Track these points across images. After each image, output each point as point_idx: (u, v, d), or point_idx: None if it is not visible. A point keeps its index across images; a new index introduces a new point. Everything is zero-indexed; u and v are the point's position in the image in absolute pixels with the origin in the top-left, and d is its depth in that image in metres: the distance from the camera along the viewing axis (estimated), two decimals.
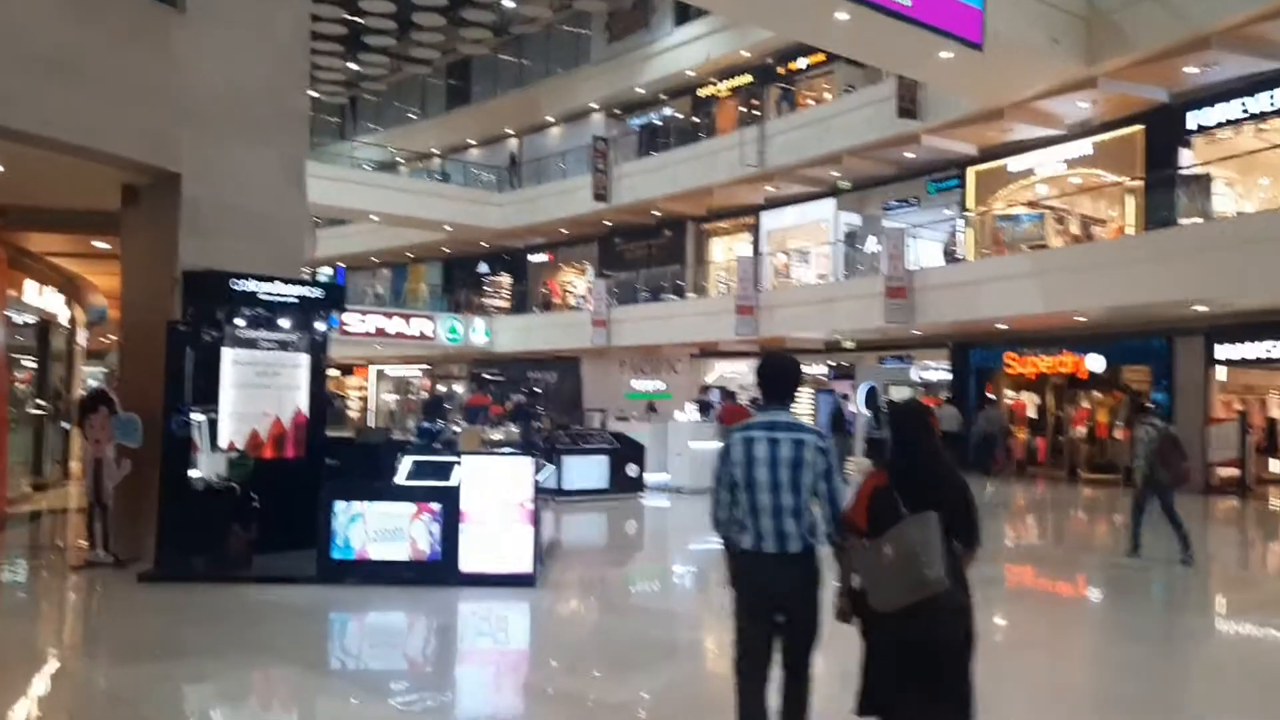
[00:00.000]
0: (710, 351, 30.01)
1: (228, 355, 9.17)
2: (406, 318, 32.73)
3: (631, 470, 15.54)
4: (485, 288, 38.03)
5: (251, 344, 9.35)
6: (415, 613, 8.12)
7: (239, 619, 7.52)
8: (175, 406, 8.69)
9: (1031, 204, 22.03)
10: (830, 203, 26.88)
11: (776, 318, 24.95)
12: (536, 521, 8.53)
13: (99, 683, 6.04)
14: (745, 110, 28.70)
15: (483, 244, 37.01)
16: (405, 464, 8.72)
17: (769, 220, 28.99)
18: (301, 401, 9.69)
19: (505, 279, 37.75)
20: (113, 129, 8.56)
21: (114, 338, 28.33)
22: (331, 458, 9.92)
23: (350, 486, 8.59)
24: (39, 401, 14.86)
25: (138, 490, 9.07)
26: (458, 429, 11.61)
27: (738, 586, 4.15)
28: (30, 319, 14.64)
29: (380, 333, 31.79)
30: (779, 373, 4.31)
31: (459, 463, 8.62)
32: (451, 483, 8.50)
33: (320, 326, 9.92)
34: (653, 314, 29.42)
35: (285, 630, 7.46)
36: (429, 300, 39.04)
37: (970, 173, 22.97)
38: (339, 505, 8.39)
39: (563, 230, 33.76)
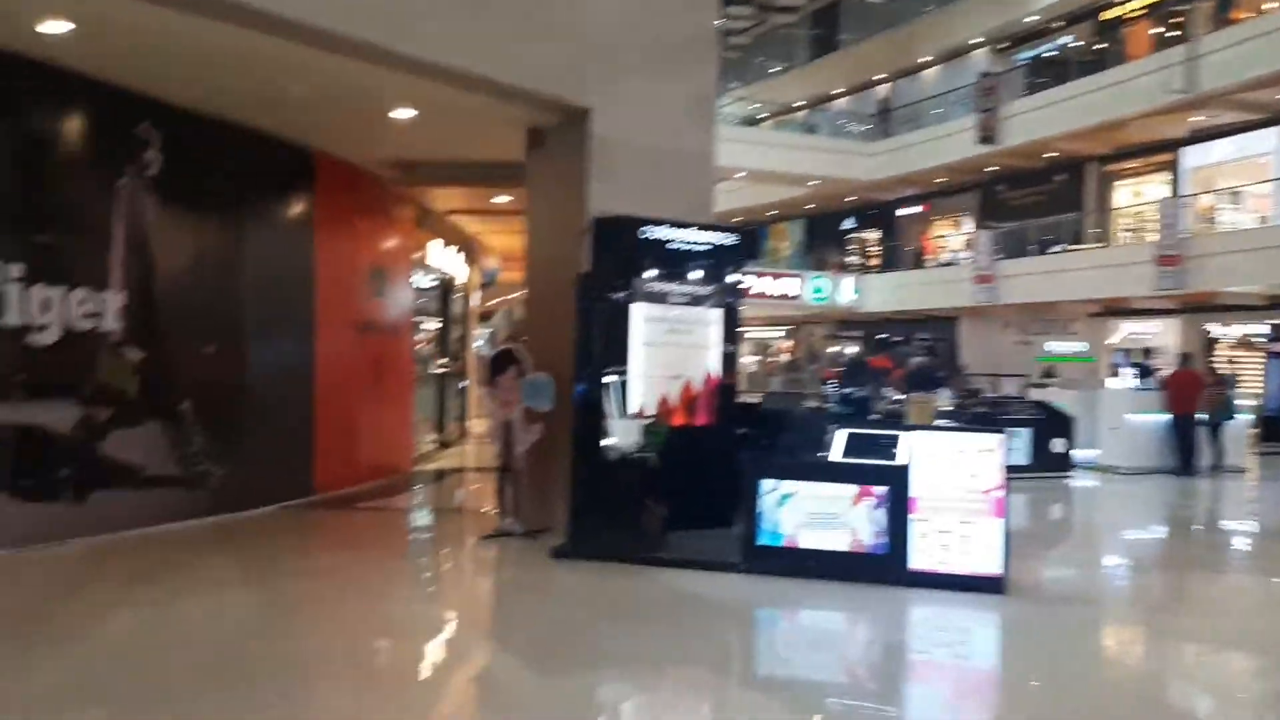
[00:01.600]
0: (1116, 309, 26.52)
1: (638, 311, 8.26)
2: (774, 276, 31.59)
3: (1058, 445, 13.39)
4: (849, 245, 36.27)
5: (661, 298, 8.39)
6: (859, 616, 6.80)
7: (662, 614, 6.56)
8: (589, 367, 7.90)
9: None
10: (1272, 132, 22.64)
11: (1209, 268, 21.32)
12: (1005, 513, 6.91)
13: (525, 691, 5.19)
14: (1161, 32, 24.82)
15: (848, 198, 35.20)
16: (839, 438, 7.38)
17: (1191, 156, 24.98)
18: (712, 363, 8.63)
19: (871, 235, 35.79)
20: (521, 60, 7.83)
21: (500, 300, 29.54)
22: (740, 426, 8.85)
23: (779, 462, 7.40)
24: (441, 361, 15.12)
25: (547, 457, 8.43)
26: (898, 396, 10.18)
27: None
28: (433, 280, 14.88)
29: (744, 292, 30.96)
30: None
31: (906, 439, 7.16)
32: (898, 462, 7.08)
33: (733, 279, 8.80)
34: (1047, 267, 26.36)
35: (713, 630, 6.41)
36: (790, 259, 37.85)
37: None
38: (766, 484, 7.22)
39: (938, 179, 31.22)
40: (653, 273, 8.31)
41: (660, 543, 7.61)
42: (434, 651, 5.92)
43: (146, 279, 8.41)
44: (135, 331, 8.25)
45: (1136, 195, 26.81)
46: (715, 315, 8.64)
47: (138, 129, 8.26)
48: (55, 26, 6.80)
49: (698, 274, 8.52)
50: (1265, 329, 22.94)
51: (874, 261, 34.76)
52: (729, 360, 8.77)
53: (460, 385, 16.21)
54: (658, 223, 8.25)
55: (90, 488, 7.93)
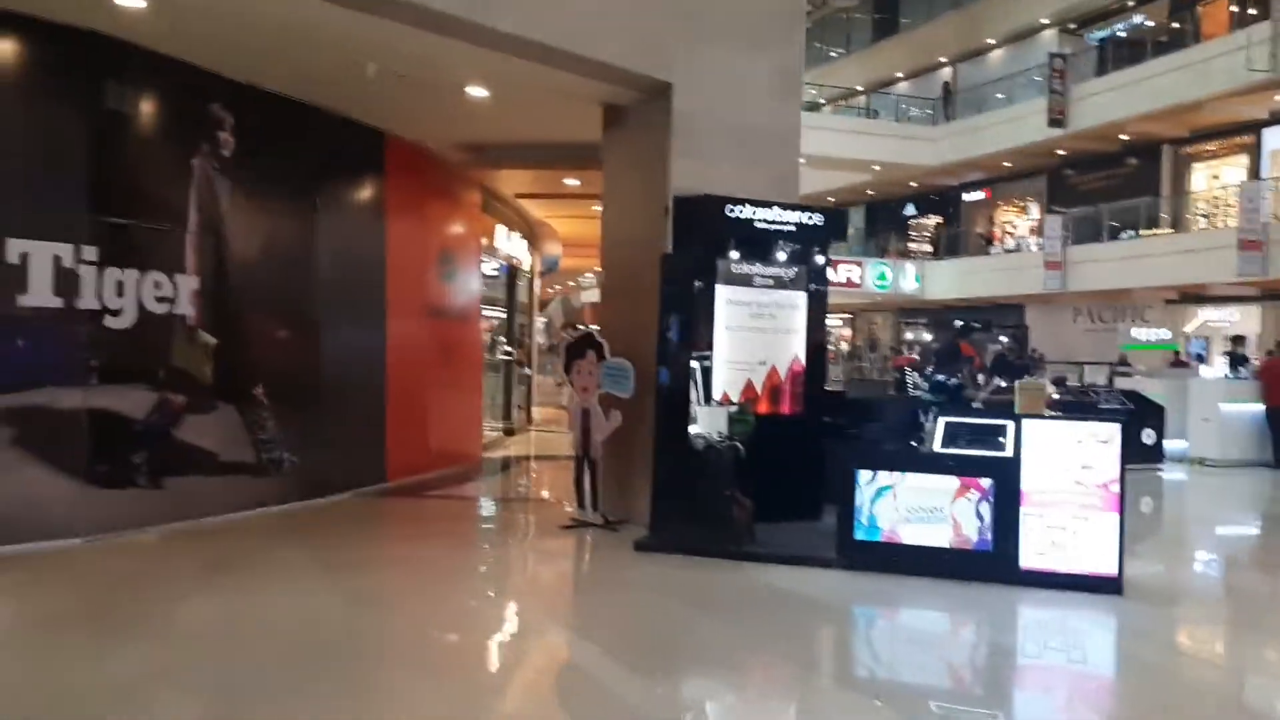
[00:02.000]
0: (1192, 296, 25.68)
1: (722, 294, 7.94)
2: (834, 264, 31.00)
3: (1148, 437, 12.84)
4: (910, 231, 35.60)
5: (746, 281, 8.06)
6: (963, 616, 6.41)
7: (756, 611, 6.23)
8: (672, 353, 7.60)
9: None
10: None
11: None
12: (1123, 508, 6.50)
13: (616, 690, 4.90)
14: (1238, 10, 23.92)
15: (911, 184, 34.53)
16: (938, 427, 7.01)
17: (1273, 138, 24.07)
18: (798, 348, 8.28)
19: (933, 220, 35.09)
20: (602, 34, 7.52)
21: (558, 287, 29.33)
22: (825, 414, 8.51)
23: (877, 453, 7.05)
24: (506, 348, 14.91)
25: (627, 446, 8.14)
26: (1001, 383, 9.72)
27: None
28: (497, 266, 14.67)
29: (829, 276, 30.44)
30: None
31: (1013, 428, 6.77)
32: (1006, 453, 6.69)
33: (819, 261, 8.44)
34: (1121, 253, 25.57)
35: (809, 628, 6.09)
36: (850, 246, 37.24)
37: None
38: (863, 475, 6.87)
39: (1006, 164, 30.47)
40: (737, 254, 7.98)
41: (748, 536, 7.30)
42: (522, 647, 5.67)
43: (220, 262, 8.25)
44: (209, 316, 8.10)
45: (1214, 179, 25.89)
46: (801, 299, 8.30)
47: (211, 109, 8.09)
48: (131, 2, 6.62)
49: (783, 256, 8.17)
50: None
51: (932, 248, 34.03)
52: (815, 346, 8.41)
53: (524, 373, 15.99)
54: (742, 202, 7.92)
55: (166, 474, 7.79)
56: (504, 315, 15.12)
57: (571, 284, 29.60)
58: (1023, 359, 13.61)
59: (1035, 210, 31.15)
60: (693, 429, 7.49)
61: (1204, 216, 25.64)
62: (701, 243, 7.89)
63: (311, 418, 9.02)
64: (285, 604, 5.96)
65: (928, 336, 29.91)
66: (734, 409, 7.61)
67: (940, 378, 8.40)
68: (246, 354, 8.48)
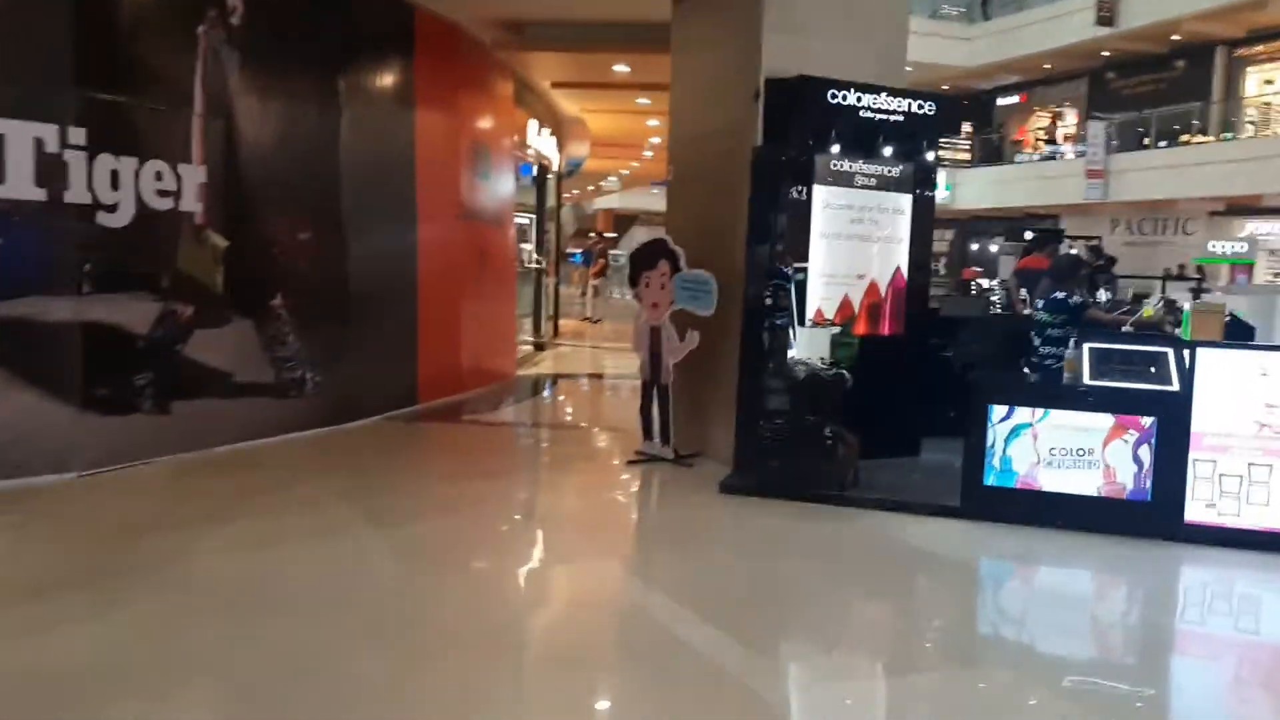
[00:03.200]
0: (1239, 208, 24.42)
1: (819, 195, 6.79)
2: None
3: None
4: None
5: (847, 180, 6.90)
6: (1116, 577, 5.43)
7: (873, 570, 5.27)
8: (763, 264, 6.50)
9: None
10: None
11: None
12: None
13: (726, 661, 3.91)
14: None
15: (943, 86, 32.83)
16: (1082, 354, 5.94)
17: None
18: (901, 260, 7.17)
19: (964, 126, 33.50)
20: None
21: (576, 192, 27.95)
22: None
23: (1014, 385, 5.99)
24: (535, 256, 13.76)
25: (702, 370, 7.09)
26: (1139, 299, 8.62)
27: None
28: (528, 165, 13.42)
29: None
30: None
31: (1179, 357, 5.71)
32: (1172, 386, 5.65)
33: (929, 157, 7.28)
34: (1170, 161, 24.20)
35: (936, 590, 5.12)
36: None
37: None
38: (997, 411, 5.83)
39: (1045, 65, 28.81)
40: (838, 148, 6.81)
41: (853, 478, 6.28)
42: (607, 615, 4.64)
43: (231, 151, 7.08)
44: (219, 214, 6.97)
45: (1263, 85, 24.43)
46: (906, 203, 7.15)
47: None
48: None
49: (889, 151, 7.00)
50: None
51: (961, 156, 32.52)
52: (920, 258, 7.29)
53: (552, 282, 14.87)
54: (847, 86, 6.73)
55: (172, 398, 6.75)
56: (535, 219, 13.92)
57: (591, 188, 28.24)
58: (1100, 262, 12.41)
59: (1072, 116, 29.62)
60: (793, 354, 6.42)
61: (1250, 124, 24.28)
62: (798, 135, 6.71)
63: (337, 332, 7.95)
64: (313, 560, 4.96)
65: (994, 248, 28.44)
66: (838, 331, 6.54)
67: (1059, 295, 7.30)
68: (263, 259, 7.37)
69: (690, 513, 6.14)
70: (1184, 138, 24.87)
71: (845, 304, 6.96)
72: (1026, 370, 7.42)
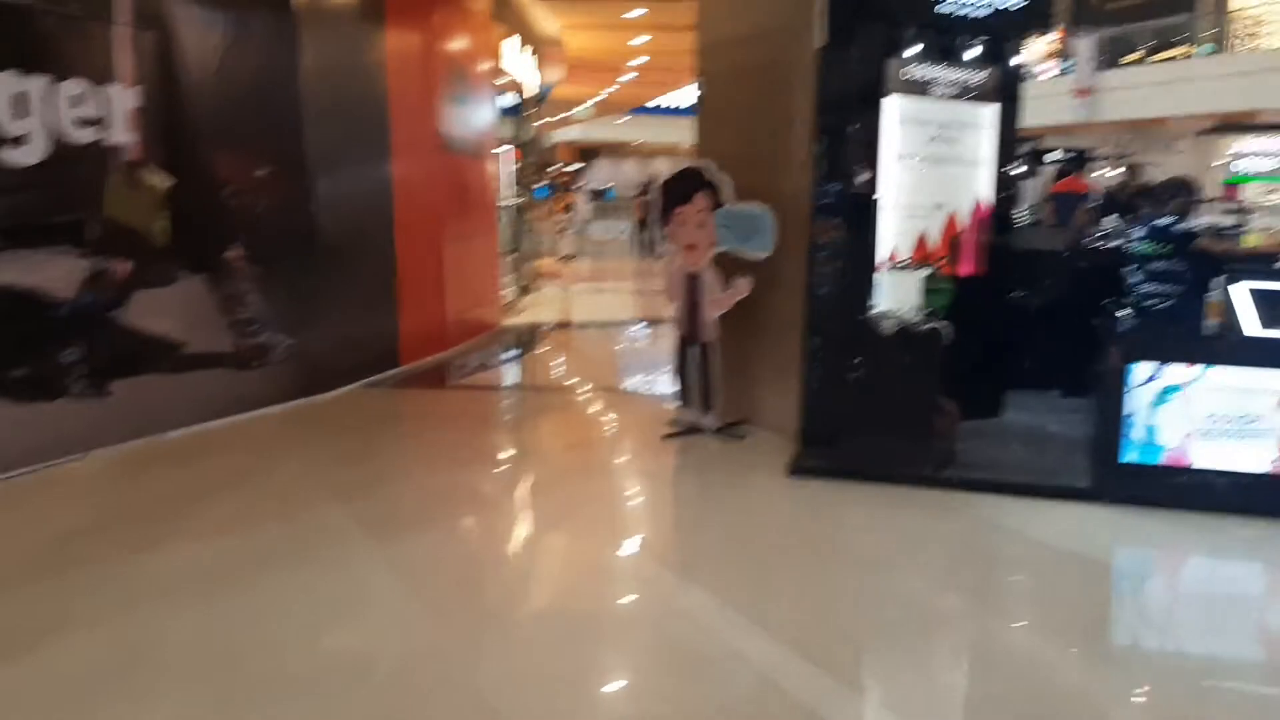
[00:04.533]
0: (1232, 125, 23.52)
1: (892, 108, 5.59)
2: None
3: None
4: None
5: (923, 89, 5.70)
6: None
7: (999, 571, 4.24)
8: (835, 192, 5.33)
9: None
10: None
11: None
12: None
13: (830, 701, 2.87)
14: None
15: None
16: (1238, 293, 4.87)
17: None
18: (983, 186, 6.02)
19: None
20: None
21: (540, 123, 26.34)
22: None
23: (1161, 339, 4.90)
24: (515, 191, 12.40)
25: (748, 322, 5.95)
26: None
27: None
28: (505, 90, 12.00)
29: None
30: None
31: None
32: None
33: (1016, 62, 6.10)
34: (1161, 78, 23.21)
35: (1076, 596, 4.05)
36: None
37: None
38: (1139, 370, 4.75)
39: None
40: (918, 49, 5.61)
41: (951, 455, 5.20)
42: (688, 638, 3.53)
43: (169, 71, 5.75)
44: (158, 147, 5.65)
45: None
46: (989, 116, 5.97)
47: None
48: None
49: (970, 55, 5.81)
50: None
51: None
52: (1005, 183, 6.14)
53: (536, 220, 13.55)
54: None
55: (110, 376, 5.49)
56: (515, 149, 12.53)
57: (558, 118, 26.63)
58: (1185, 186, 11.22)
59: (1052, 32, 28.44)
60: (881, 306, 5.27)
61: (1237, 39, 23.33)
62: (865, 35, 5.50)
63: (306, 287, 6.70)
64: (302, 602, 3.79)
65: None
66: (928, 274, 5.39)
67: (1162, 221, 6.22)
68: (214, 202, 6.08)
69: (761, 505, 5.02)
70: (1171, 53, 23.88)
71: (920, 241, 5.81)
72: (1129, 312, 6.37)
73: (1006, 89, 5.99)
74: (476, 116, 9.38)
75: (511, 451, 6.37)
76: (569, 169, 30.41)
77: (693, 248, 5.99)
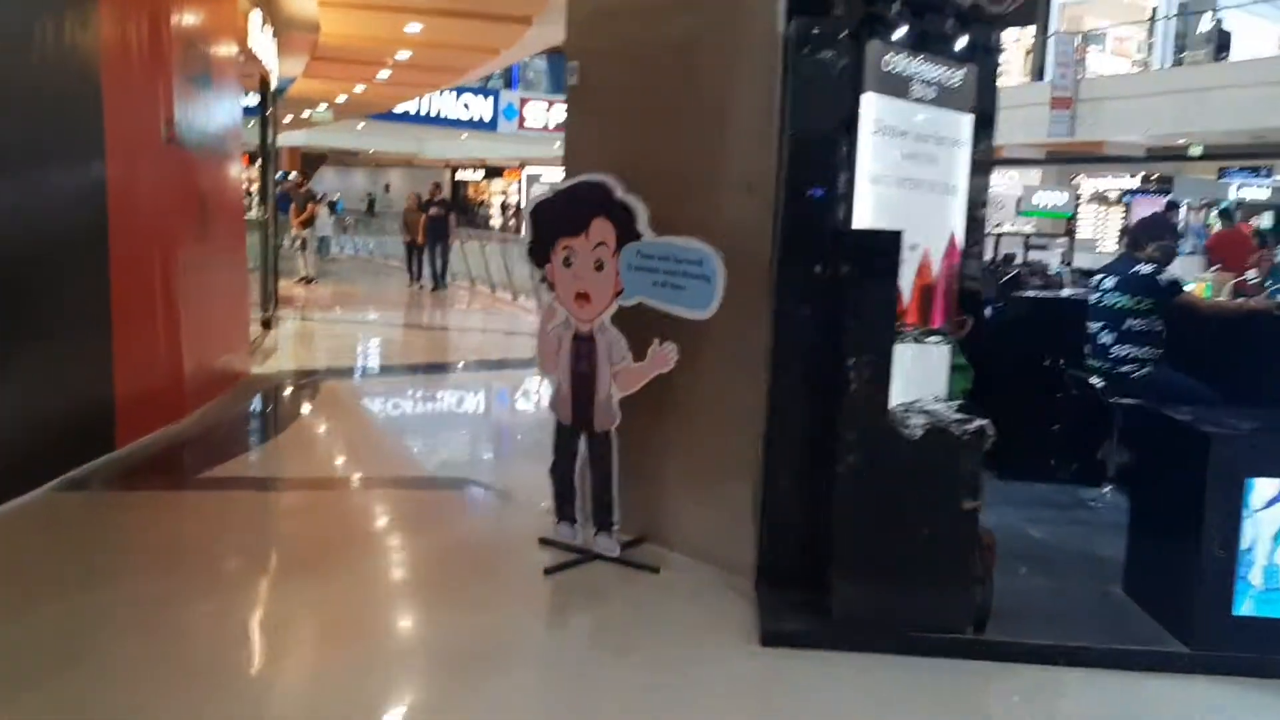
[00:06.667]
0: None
1: (870, 110, 4.01)
2: None
3: None
4: None
5: (902, 89, 4.16)
6: None
7: None
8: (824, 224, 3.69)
9: None
10: None
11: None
12: None
13: None
14: None
15: None
16: None
17: None
18: (957, 218, 4.57)
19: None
20: None
21: (286, 122, 23.25)
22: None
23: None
24: (255, 203, 9.97)
25: (655, 397, 4.20)
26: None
27: None
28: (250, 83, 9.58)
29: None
30: None
31: None
32: None
33: (995, 61, 4.71)
34: None
35: None
36: None
37: None
38: (1260, 486, 3.40)
39: None
40: (898, 34, 4.08)
41: (986, 605, 3.63)
42: None
43: None
44: None
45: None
46: (966, 126, 4.53)
47: None
48: None
49: (961, 42, 4.37)
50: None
51: None
52: (975, 214, 4.71)
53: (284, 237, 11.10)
54: None
55: None
56: (256, 153, 10.08)
57: (288, 119, 23.59)
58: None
59: None
60: (902, 401, 3.62)
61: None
62: (849, 11, 3.92)
63: None
64: None
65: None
66: (949, 344, 3.83)
67: (1144, 269, 5.06)
68: None
69: (738, 710, 3.23)
70: None
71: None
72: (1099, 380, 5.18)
73: (983, 92, 4.58)
74: (220, 107, 7.06)
75: (300, 611, 3.93)
76: (295, 177, 27.33)
77: (584, 298, 4.15)
